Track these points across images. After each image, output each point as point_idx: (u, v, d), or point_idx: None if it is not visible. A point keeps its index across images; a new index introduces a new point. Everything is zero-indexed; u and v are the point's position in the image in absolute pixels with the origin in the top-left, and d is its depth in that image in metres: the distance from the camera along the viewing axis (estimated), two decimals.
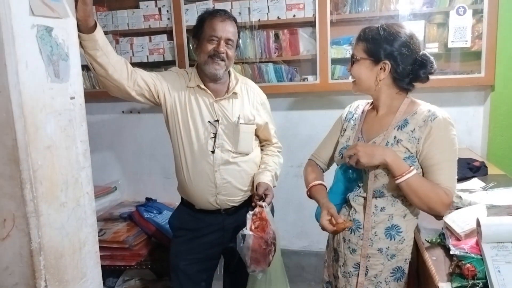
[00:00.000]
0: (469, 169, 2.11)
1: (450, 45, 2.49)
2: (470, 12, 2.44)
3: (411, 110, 1.48)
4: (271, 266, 1.78)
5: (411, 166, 1.40)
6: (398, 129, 1.47)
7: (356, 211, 1.53)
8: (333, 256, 1.67)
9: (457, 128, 1.47)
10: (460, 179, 1.92)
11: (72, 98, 1.28)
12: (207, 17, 1.87)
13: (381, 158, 1.40)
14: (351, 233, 1.54)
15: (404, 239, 1.49)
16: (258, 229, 1.75)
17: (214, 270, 2.11)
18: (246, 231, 1.73)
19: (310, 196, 1.67)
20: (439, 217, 1.43)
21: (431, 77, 1.49)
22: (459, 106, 2.66)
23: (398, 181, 1.39)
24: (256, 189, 1.87)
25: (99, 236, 1.41)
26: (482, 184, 1.89)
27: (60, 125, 1.23)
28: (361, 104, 1.68)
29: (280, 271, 1.85)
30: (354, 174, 1.53)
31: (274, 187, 1.95)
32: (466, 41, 2.47)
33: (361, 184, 1.53)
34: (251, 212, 1.77)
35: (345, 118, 1.68)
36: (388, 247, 1.49)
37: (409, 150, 1.43)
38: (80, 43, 1.44)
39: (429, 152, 1.41)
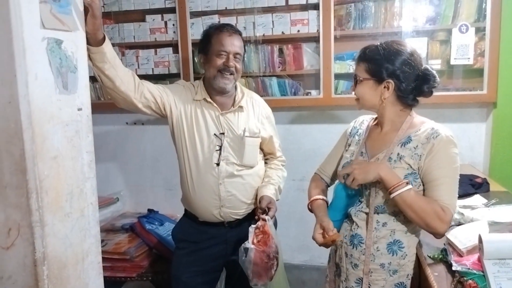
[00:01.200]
0: (471, 185, 2.10)
1: (452, 62, 2.51)
2: (473, 30, 2.47)
3: (415, 127, 1.49)
4: (274, 280, 1.77)
5: (407, 182, 1.39)
6: (401, 146, 1.47)
7: (358, 226, 1.53)
8: (335, 271, 1.67)
9: (459, 144, 1.47)
10: (462, 196, 1.93)
11: (80, 109, 1.29)
12: (214, 32, 1.88)
13: (375, 173, 1.41)
14: (353, 248, 1.54)
15: (406, 255, 1.49)
16: (260, 243, 1.74)
17: (216, 283, 2.11)
18: (248, 244, 1.73)
19: (311, 210, 1.68)
20: (438, 235, 1.41)
21: (434, 93, 1.50)
22: (461, 123, 2.67)
23: (392, 195, 1.38)
24: (259, 202, 1.87)
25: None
26: (484, 200, 1.89)
27: (67, 136, 1.24)
28: (366, 119, 1.69)
29: (283, 286, 1.84)
30: (353, 191, 1.54)
31: (277, 200, 1.95)
32: (469, 58, 2.49)
33: (362, 200, 1.54)
34: (253, 226, 1.77)
35: (350, 133, 1.69)
36: (390, 262, 1.49)
37: (411, 167, 1.43)
38: (89, 56, 1.47)
39: (429, 167, 1.41)
